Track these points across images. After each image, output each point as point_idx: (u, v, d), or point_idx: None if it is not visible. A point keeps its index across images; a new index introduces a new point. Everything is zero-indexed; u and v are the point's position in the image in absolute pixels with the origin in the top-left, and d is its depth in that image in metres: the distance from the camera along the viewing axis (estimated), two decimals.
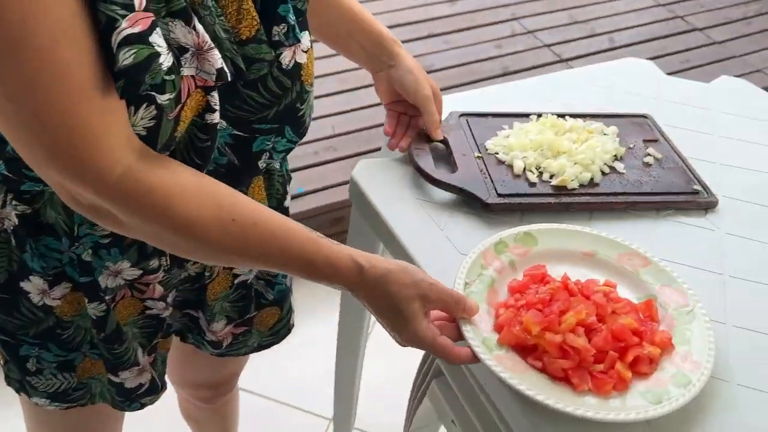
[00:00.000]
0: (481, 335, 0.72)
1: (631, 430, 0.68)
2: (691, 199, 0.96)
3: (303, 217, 1.94)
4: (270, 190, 0.91)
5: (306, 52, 0.76)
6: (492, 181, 0.94)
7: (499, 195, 0.92)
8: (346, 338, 1.33)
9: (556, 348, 0.69)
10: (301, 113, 0.79)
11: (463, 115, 1.06)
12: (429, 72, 2.56)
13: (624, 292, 0.80)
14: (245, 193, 0.85)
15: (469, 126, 1.04)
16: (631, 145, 1.05)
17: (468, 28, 2.84)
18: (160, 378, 0.95)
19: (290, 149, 0.83)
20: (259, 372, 1.78)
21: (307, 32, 0.77)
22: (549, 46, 2.77)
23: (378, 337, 1.88)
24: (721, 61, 2.75)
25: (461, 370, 0.81)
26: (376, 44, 0.96)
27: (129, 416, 1.01)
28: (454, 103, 1.11)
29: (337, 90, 2.42)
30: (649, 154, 1.03)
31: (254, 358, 1.94)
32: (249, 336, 1.01)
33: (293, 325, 1.07)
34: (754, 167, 1.05)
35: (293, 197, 1.98)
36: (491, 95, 1.19)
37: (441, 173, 0.94)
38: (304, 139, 2.41)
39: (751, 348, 0.78)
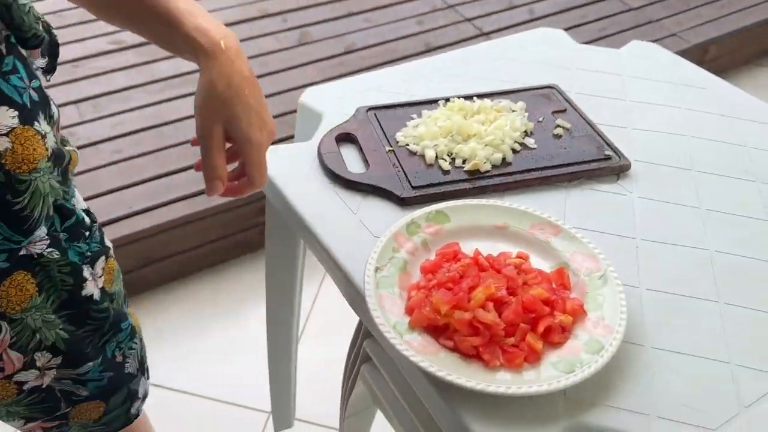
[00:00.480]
0: (391, 320, 0.70)
1: (550, 400, 0.68)
2: (603, 165, 0.96)
3: (227, 208, 1.90)
4: (49, 283, 0.75)
5: (8, 135, 0.64)
6: (405, 174, 0.92)
7: (414, 187, 0.90)
8: (275, 329, 1.30)
9: (466, 325, 0.68)
10: (16, 207, 0.67)
11: (370, 109, 1.04)
12: (350, 52, 2.53)
13: (536, 262, 0.79)
14: None
15: (377, 119, 1.02)
16: (541, 119, 1.04)
17: (388, 5, 2.81)
18: None
19: (12, 249, 0.69)
20: (194, 372, 1.75)
21: (5, 109, 0.64)
22: (470, 20, 2.77)
23: (312, 322, 1.87)
24: (638, 27, 2.79)
25: (386, 354, 0.80)
26: (189, 53, 0.74)
27: None
28: (370, 80, 1.08)
29: None
30: (558, 126, 1.03)
31: (184, 359, 1.89)
32: (67, 428, 0.87)
33: (137, 414, 0.92)
34: (664, 130, 1.07)
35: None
36: (402, 75, 1.17)
37: (352, 173, 0.92)
38: None
39: (664, 310, 0.78)
